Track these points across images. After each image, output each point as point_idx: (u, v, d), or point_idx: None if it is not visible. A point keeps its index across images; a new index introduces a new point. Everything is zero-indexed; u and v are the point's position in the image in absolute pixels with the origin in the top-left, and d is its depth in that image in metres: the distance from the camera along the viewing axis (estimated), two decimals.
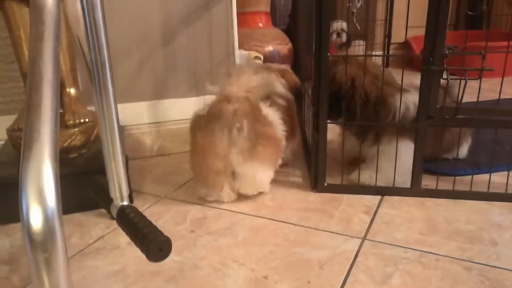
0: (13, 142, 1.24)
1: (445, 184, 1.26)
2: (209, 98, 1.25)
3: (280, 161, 1.32)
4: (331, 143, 1.28)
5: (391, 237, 1.06)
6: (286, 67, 1.65)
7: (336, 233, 1.08)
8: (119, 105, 1.56)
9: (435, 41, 1.11)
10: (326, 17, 1.15)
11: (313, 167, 1.30)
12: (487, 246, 1.00)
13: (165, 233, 0.75)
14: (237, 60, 1.76)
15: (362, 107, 1.27)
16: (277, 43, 2.50)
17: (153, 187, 1.40)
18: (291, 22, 3.29)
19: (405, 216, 1.15)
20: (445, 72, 1.14)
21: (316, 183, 1.30)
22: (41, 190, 0.47)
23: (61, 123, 1.26)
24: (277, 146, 1.26)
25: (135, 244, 0.75)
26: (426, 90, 1.15)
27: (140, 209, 1.22)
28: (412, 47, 3.32)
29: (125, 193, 0.87)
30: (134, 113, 1.64)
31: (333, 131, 1.41)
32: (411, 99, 1.23)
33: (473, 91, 1.19)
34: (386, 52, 3.42)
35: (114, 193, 0.87)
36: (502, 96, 1.18)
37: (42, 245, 0.46)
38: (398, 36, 3.41)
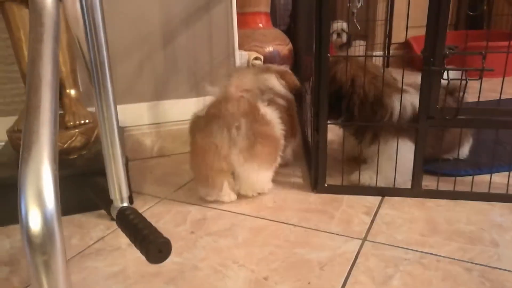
0: (13, 143, 1.24)
1: (445, 184, 1.26)
2: (209, 99, 1.25)
3: (279, 160, 1.32)
4: (331, 143, 1.28)
5: (391, 238, 1.05)
6: (286, 68, 1.65)
7: (337, 234, 1.08)
8: (119, 106, 1.57)
9: (435, 42, 1.11)
10: (326, 17, 1.15)
11: (313, 167, 1.29)
12: (488, 247, 1.00)
13: (165, 234, 0.75)
14: (237, 61, 1.76)
15: (360, 106, 1.27)
16: (277, 44, 2.50)
17: (153, 188, 1.40)
18: (291, 22, 3.29)
19: (406, 217, 1.15)
20: (445, 72, 1.14)
21: (316, 184, 1.30)
22: (40, 192, 0.46)
23: (61, 124, 1.26)
24: (275, 145, 1.26)
25: (135, 245, 0.75)
26: (426, 91, 1.15)
27: (140, 210, 1.22)
28: (412, 47, 3.32)
29: (125, 194, 0.87)
30: (134, 114, 1.64)
31: (333, 131, 1.41)
32: (409, 99, 1.23)
33: (474, 91, 1.18)
34: (386, 52, 3.42)
35: (114, 194, 0.87)
36: (503, 96, 1.17)
37: (41, 247, 0.46)
38: (398, 36, 3.41)
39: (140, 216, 0.81)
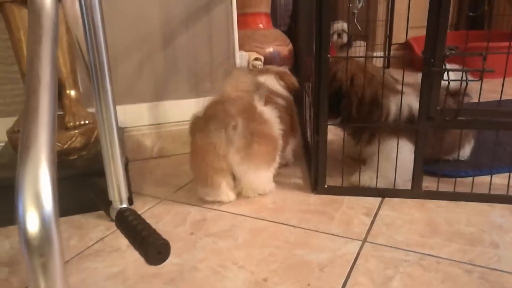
0: (13, 144, 1.24)
1: (446, 185, 1.26)
2: (208, 99, 1.25)
3: (278, 160, 1.32)
4: (331, 143, 1.27)
5: (391, 239, 1.05)
6: (285, 69, 1.66)
7: (337, 235, 1.08)
8: (119, 107, 1.58)
9: (435, 42, 1.11)
10: (326, 18, 1.15)
11: (313, 168, 1.29)
12: (487, 248, 1.00)
13: (165, 235, 0.75)
14: (238, 62, 1.76)
15: (358, 106, 1.27)
16: (278, 44, 2.50)
17: (153, 188, 1.40)
18: (291, 23, 3.29)
19: (406, 218, 1.15)
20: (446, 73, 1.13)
21: (316, 185, 1.30)
22: (38, 194, 0.46)
23: (61, 125, 1.26)
24: (273, 144, 1.26)
25: (134, 247, 0.75)
26: (426, 92, 1.15)
27: (140, 211, 1.22)
28: (413, 47, 3.32)
29: (124, 195, 0.87)
30: (134, 115, 1.64)
31: (332, 131, 1.41)
32: (405, 101, 1.23)
33: (475, 92, 1.18)
34: (387, 52, 3.41)
35: (113, 195, 0.87)
36: (503, 97, 1.17)
37: (38, 249, 0.46)
38: (399, 36, 3.40)
39: (139, 217, 0.81)
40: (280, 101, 1.41)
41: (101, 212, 1.22)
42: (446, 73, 1.12)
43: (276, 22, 3.17)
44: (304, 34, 1.85)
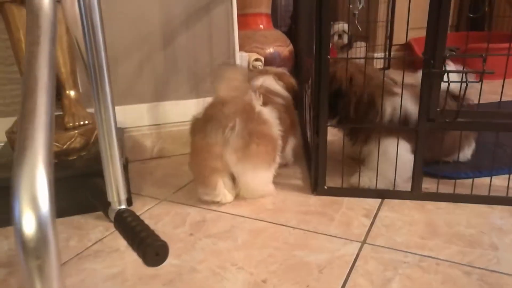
0: (12, 144, 1.24)
1: (445, 187, 1.26)
2: (207, 100, 1.26)
3: (278, 161, 1.32)
4: (331, 144, 1.27)
5: (391, 240, 1.05)
6: (283, 70, 1.66)
7: (336, 237, 1.08)
8: (119, 107, 1.58)
9: (435, 44, 1.10)
10: (326, 18, 1.15)
11: (313, 169, 1.29)
12: (487, 250, 0.99)
13: (164, 236, 0.75)
14: (238, 62, 1.76)
15: (355, 107, 1.28)
16: (278, 45, 2.50)
17: (153, 189, 1.40)
18: (292, 23, 3.28)
19: (406, 219, 1.15)
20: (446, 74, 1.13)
21: (316, 186, 1.30)
22: (34, 196, 0.46)
23: (61, 125, 1.26)
24: (272, 144, 1.26)
25: (132, 248, 0.75)
26: (426, 93, 1.15)
27: (140, 212, 1.22)
28: (413, 48, 3.32)
29: (123, 196, 0.87)
30: (134, 115, 1.64)
31: (332, 132, 1.41)
32: (399, 102, 1.24)
33: (475, 90, 1.18)
34: (388, 53, 3.41)
35: (112, 196, 0.86)
36: (503, 99, 1.17)
37: (34, 251, 0.46)
38: (400, 37, 3.40)
39: (137, 218, 0.81)
40: (279, 100, 1.41)
41: (100, 212, 1.22)
42: (446, 74, 1.12)
43: (276, 22, 3.16)
44: (304, 35, 1.85)
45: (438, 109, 1.16)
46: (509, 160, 1.31)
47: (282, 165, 1.41)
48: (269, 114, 1.28)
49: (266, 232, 1.11)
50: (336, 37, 3.24)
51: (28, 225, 0.46)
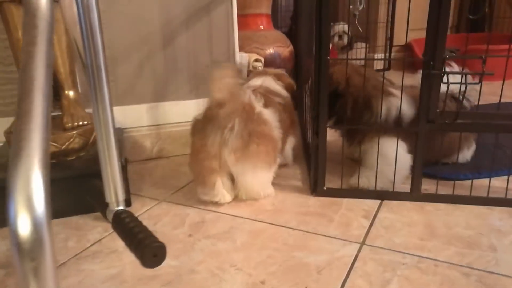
0: (10, 144, 1.24)
1: (445, 188, 1.26)
2: (207, 101, 1.25)
3: (278, 161, 1.32)
4: (330, 145, 1.27)
5: (390, 242, 1.05)
6: (282, 71, 1.66)
7: (335, 238, 1.08)
8: (119, 107, 1.58)
9: (435, 45, 1.10)
10: (326, 19, 1.15)
11: (313, 170, 1.29)
12: (486, 252, 0.99)
13: (163, 237, 0.75)
14: (237, 62, 1.76)
15: (351, 108, 1.28)
16: (278, 46, 2.49)
17: (152, 190, 1.39)
18: (292, 24, 3.28)
19: (405, 220, 1.15)
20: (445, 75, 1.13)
21: (315, 187, 1.30)
22: (30, 198, 0.46)
23: (60, 126, 1.26)
24: (272, 144, 1.26)
25: (130, 249, 0.75)
26: (426, 94, 1.15)
27: (139, 212, 1.22)
28: (414, 49, 3.32)
29: (121, 197, 0.87)
30: (134, 115, 1.64)
31: (332, 133, 1.41)
32: (394, 102, 1.24)
33: (474, 94, 1.18)
34: (388, 54, 3.41)
35: (110, 197, 0.86)
36: (503, 100, 1.17)
37: (30, 253, 0.46)
38: (400, 38, 3.40)
39: (135, 219, 0.81)
40: (279, 100, 1.41)
41: (99, 213, 1.22)
42: (445, 75, 1.12)
43: (277, 23, 3.16)
44: (304, 36, 1.85)
45: (438, 111, 1.15)
46: (509, 161, 1.31)
47: (282, 166, 1.41)
48: (269, 115, 1.28)
49: (265, 233, 1.11)
50: (336, 38, 3.24)
51: (24, 227, 0.45)
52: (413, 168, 1.22)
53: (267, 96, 1.36)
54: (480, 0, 1.31)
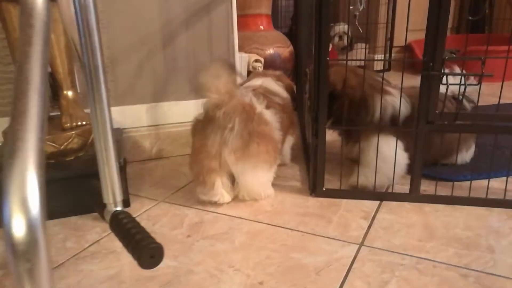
0: None
1: (444, 189, 1.26)
2: (207, 101, 1.25)
3: (278, 161, 1.32)
4: (329, 146, 1.27)
5: (388, 243, 1.05)
6: (281, 72, 1.67)
7: (334, 239, 1.08)
8: (119, 108, 1.58)
9: (435, 46, 1.10)
10: (326, 19, 1.14)
11: (312, 171, 1.29)
12: (484, 253, 0.99)
13: (161, 238, 0.75)
14: (237, 63, 1.76)
15: (348, 107, 1.28)
16: (278, 46, 2.49)
17: (151, 190, 1.39)
18: (293, 24, 3.28)
19: (404, 221, 1.14)
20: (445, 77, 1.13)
21: (314, 188, 1.29)
22: (25, 199, 0.46)
23: (58, 126, 1.26)
24: (273, 144, 1.26)
25: (127, 250, 0.74)
26: (425, 95, 1.15)
27: (137, 213, 1.22)
28: (414, 50, 3.32)
29: (119, 198, 0.87)
30: (133, 116, 1.64)
31: (331, 133, 1.41)
32: (390, 100, 1.25)
33: (474, 92, 1.18)
34: (388, 55, 3.41)
35: (107, 198, 0.86)
36: (502, 101, 1.17)
37: (24, 255, 0.46)
38: (401, 39, 3.40)
39: (133, 220, 0.81)
40: (278, 100, 1.41)
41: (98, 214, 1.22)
42: (445, 77, 1.12)
43: (277, 23, 3.16)
44: (304, 36, 1.85)
45: (437, 112, 1.15)
46: (508, 162, 1.30)
47: (280, 165, 1.41)
48: (269, 115, 1.28)
49: (263, 234, 1.11)
50: (336, 39, 3.24)
51: (18, 228, 0.45)
52: (412, 169, 1.22)
53: (267, 97, 1.36)
54: (480, 1, 1.31)
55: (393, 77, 1.39)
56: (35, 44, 0.52)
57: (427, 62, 1.12)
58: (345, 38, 3.22)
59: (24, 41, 0.52)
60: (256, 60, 2.14)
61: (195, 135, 1.26)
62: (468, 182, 1.26)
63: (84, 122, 1.28)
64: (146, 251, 0.71)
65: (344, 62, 1.30)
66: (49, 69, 1.25)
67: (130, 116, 1.63)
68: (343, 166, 1.32)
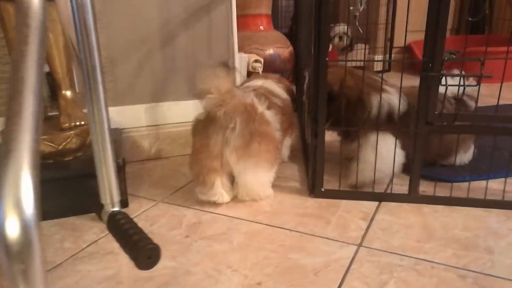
0: None
1: (442, 190, 1.25)
2: (206, 102, 1.25)
3: (278, 161, 1.33)
4: (328, 146, 1.27)
5: (387, 244, 1.05)
6: (280, 76, 1.68)
7: (332, 240, 1.07)
8: (118, 108, 1.58)
9: (434, 47, 1.10)
10: (325, 20, 1.14)
11: (311, 172, 1.29)
12: (482, 254, 0.99)
13: (160, 238, 0.75)
14: (237, 63, 1.76)
15: (346, 106, 1.28)
16: (278, 46, 2.49)
17: (150, 190, 1.39)
18: (293, 24, 3.28)
19: (402, 222, 1.14)
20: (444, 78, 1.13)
21: (313, 188, 1.29)
22: (19, 200, 0.45)
23: (56, 126, 1.25)
24: (273, 144, 1.26)
25: (124, 251, 0.74)
26: (424, 96, 1.14)
27: (136, 213, 1.22)
28: (414, 51, 3.31)
29: (116, 198, 0.86)
30: (132, 116, 1.64)
31: (331, 133, 1.41)
32: (386, 98, 1.25)
33: (474, 92, 1.18)
34: (388, 56, 3.41)
35: (105, 198, 0.86)
36: (501, 102, 1.17)
37: (18, 256, 0.45)
38: (401, 39, 3.40)
39: (130, 221, 0.80)
40: (278, 101, 1.42)
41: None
42: (444, 77, 1.12)
43: (277, 24, 3.16)
44: (304, 37, 1.84)
45: (436, 112, 1.15)
46: (506, 163, 1.30)
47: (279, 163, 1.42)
48: (270, 116, 1.28)
49: (262, 235, 1.11)
50: (336, 39, 3.24)
51: (12, 229, 0.45)
52: (411, 169, 1.22)
53: (267, 97, 1.36)
54: (480, 2, 1.31)
55: (393, 78, 1.39)
56: (31, 43, 0.52)
57: (427, 63, 1.12)
58: (345, 38, 3.22)
59: (20, 40, 0.52)
60: (256, 61, 2.14)
61: (195, 135, 1.26)
62: (467, 183, 1.26)
63: (82, 122, 1.27)
64: (143, 252, 0.70)
65: (343, 63, 1.29)
66: (48, 69, 1.25)
67: (129, 116, 1.63)
68: (342, 166, 1.32)
